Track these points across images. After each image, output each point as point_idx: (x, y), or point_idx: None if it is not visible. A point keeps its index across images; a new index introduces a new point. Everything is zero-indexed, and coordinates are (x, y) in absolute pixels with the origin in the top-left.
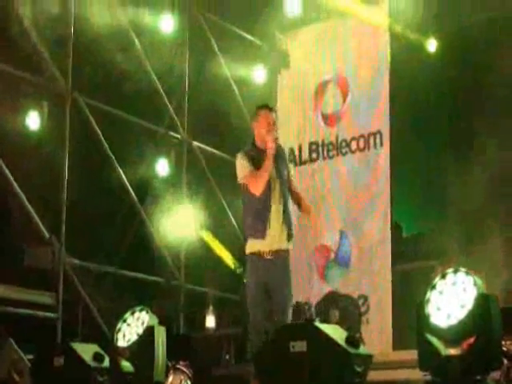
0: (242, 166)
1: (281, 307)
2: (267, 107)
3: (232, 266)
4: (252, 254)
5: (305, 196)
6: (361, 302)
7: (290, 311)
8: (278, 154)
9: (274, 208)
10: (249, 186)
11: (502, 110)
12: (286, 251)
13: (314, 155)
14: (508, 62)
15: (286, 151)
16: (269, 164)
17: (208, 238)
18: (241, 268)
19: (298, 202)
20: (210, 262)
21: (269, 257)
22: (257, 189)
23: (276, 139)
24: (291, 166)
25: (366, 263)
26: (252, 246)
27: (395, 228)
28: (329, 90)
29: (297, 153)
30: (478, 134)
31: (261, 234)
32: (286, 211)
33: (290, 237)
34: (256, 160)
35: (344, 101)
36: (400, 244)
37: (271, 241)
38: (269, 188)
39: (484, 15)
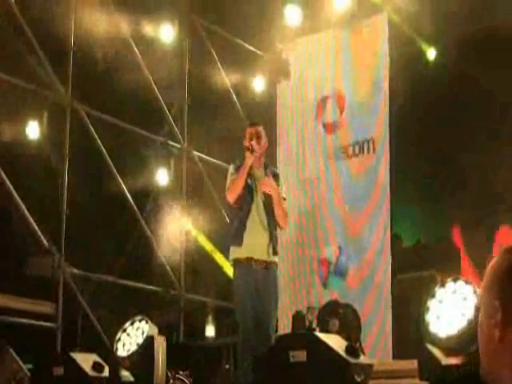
0: (229, 179)
1: (265, 317)
2: (249, 124)
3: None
4: (234, 260)
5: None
6: (361, 311)
7: (274, 322)
8: (270, 172)
9: (254, 219)
10: (227, 196)
11: (502, 118)
12: (271, 263)
13: (316, 162)
14: (509, 71)
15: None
16: (243, 172)
17: (208, 247)
18: None
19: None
20: (209, 271)
21: (253, 265)
22: (231, 196)
23: (252, 150)
24: (294, 170)
25: (366, 273)
26: (232, 252)
27: (395, 238)
28: (328, 104)
29: (300, 160)
30: (478, 144)
31: (238, 241)
32: (270, 226)
33: (274, 250)
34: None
35: (341, 113)
36: (400, 254)
37: (249, 249)
38: (251, 199)
39: (484, 24)
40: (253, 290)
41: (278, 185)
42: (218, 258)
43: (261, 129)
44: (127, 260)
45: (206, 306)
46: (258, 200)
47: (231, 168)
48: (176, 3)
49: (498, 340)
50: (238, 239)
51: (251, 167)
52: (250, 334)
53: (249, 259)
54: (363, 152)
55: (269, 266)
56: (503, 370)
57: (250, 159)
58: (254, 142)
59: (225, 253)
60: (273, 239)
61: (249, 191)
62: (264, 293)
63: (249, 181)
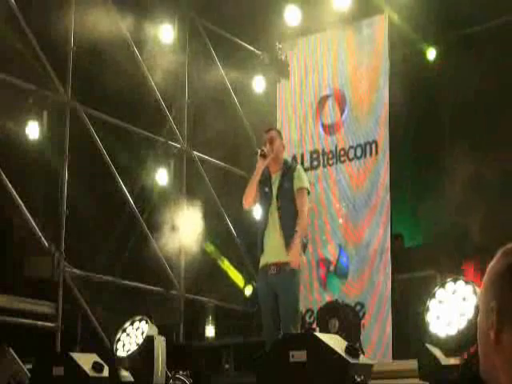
0: None
1: (284, 320)
2: (265, 131)
3: (231, 274)
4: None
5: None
6: (361, 312)
7: (296, 322)
8: (285, 172)
9: (271, 221)
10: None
11: (502, 118)
12: (287, 263)
13: (315, 163)
14: (508, 71)
15: (289, 159)
16: (254, 178)
17: (208, 247)
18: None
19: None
20: (209, 272)
21: (269, 270)
22: (244, 202)
23: (263, 155)
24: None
25: (367, 273)
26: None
27: (396, 238)
28: (327, 104)
29: (298, 161)
30: (478, 145)
31: (260, 248)
32: (284, 224)
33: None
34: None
35: (341, 114)
36: (401, 254)
37: (270, 254)
38: (268, 203)
39: (484, 24)
40: (269, 294)
41: (292, 183)
42: (219, 258)
43: (274, 133)
44: (127, 260)
45: (206, 305)
46: (274, 207)
47: None
48: (176, 3)
49: (494, 341)
50: (260, 246)
51: (265, 173)
52: (272, 335)
53: (263, 265)
54: (365, 155)
55: (282, 267)
56: (499, 372)
57: (261, 164)
58: (264, 147)
59: (225, 253)
60: (289, 237)
61: (266, 198)
62: (278, 296)
63: (266, 188)
